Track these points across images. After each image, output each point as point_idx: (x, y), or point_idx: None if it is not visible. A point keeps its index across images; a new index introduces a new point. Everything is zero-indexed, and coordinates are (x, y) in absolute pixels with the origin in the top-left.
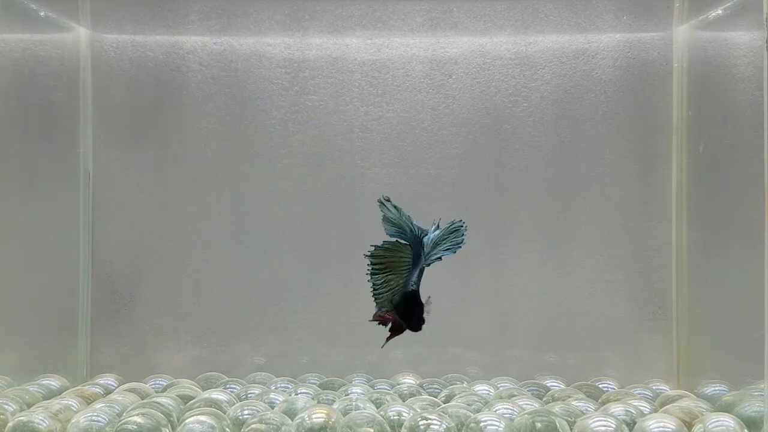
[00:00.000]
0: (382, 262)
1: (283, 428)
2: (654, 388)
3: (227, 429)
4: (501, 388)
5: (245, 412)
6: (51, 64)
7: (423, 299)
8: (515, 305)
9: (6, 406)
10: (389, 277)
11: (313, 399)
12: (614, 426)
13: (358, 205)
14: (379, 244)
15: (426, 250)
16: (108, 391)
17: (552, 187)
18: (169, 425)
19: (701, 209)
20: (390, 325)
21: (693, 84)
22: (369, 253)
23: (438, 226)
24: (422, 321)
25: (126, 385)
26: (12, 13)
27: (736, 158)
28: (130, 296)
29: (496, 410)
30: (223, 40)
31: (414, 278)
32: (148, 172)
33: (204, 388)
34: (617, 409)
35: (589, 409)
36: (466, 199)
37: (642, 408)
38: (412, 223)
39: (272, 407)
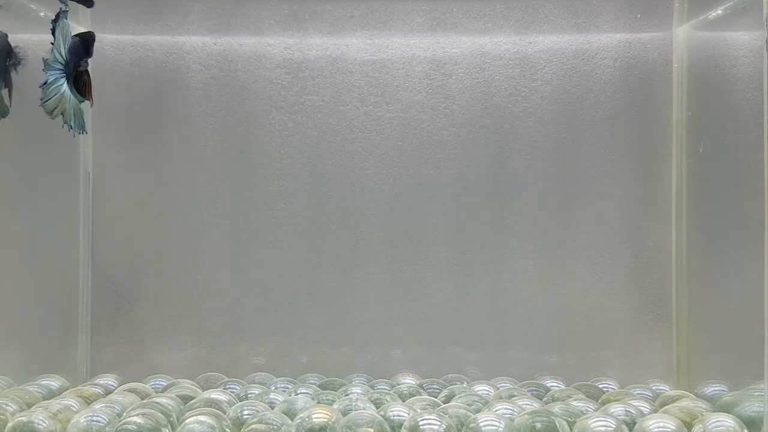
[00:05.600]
0: None
1: (283, 428)
2: (654, 388)
3: (227, 429)
4: (501, 389)
5: (245, 412)
6: None
7: None
8: (515, 305)
9: (6, 406)
10: None
11: (313, 399)
12: (614, 426)
13: (358, 205)
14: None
15: None
16: (108, 391)
17: (552, 187)
18: (169, 425)
19: (701, 209)
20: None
21: (693, 84)
22: None
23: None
24: None
25: (126, 385)
26: (12, 13)
27: (736, 158)
28: (130, 296)
29: (496, 410)
30: (223, 40)
31: None
32: (148, 173)
33: (204, 388)
34: (617, 409)
35: (589, 409)
36: (466, 199)
37: (642, 408)
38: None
39: (272, 407)
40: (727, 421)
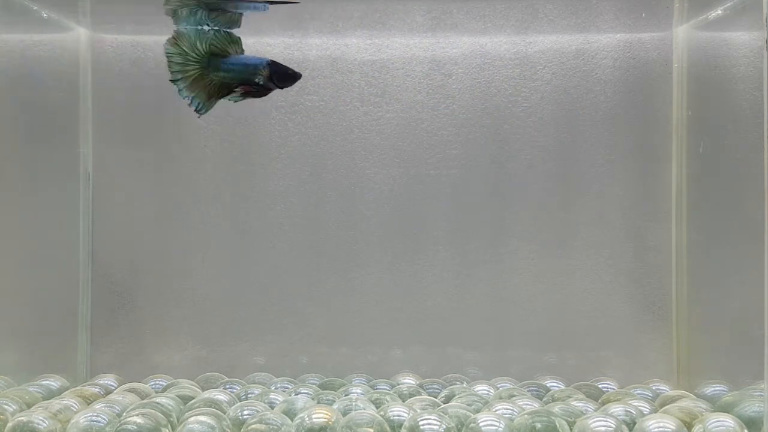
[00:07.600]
0: None
1: (283, 428)
2: (654, 388)
3: (227, 429)
4: (501, 389)
5: (245, 412)
6: (51, 65)
7: None
8: (515, 305)
9: (6, 406)
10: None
11: (313, 399)
12: (614, 426)
13: (358, 205)
14: None
15: None
16: (108, 391)
17: (552, 187)
18: (169, 425)
19: (701, 209)
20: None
21: (693, 84)
22: None
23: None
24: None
25: (126, 385)
26: (12, 13)
27: (736, 158)
28: (130, 296)
29: (496, 410)
30: None
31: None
32: (148, 172)
33: (204, 388)
34: (617, 409)
35: (589, 409)
36: (466, 199)
37: (642, 408)
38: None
39: (272, 407)
40: (727, 421)
